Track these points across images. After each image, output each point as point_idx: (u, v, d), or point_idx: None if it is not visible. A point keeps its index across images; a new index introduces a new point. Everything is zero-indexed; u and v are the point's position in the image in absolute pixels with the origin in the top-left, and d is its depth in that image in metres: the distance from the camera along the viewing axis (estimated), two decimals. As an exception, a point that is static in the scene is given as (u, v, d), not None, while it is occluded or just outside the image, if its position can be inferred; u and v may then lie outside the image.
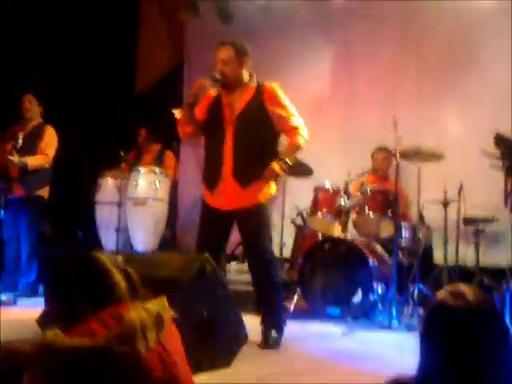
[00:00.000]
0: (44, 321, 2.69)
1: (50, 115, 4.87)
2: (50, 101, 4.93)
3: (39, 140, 4.57)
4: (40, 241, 4.69)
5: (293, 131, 3.19)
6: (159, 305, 1.56)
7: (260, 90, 3.23)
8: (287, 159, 3.15)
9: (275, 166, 3.11)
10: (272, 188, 3.26)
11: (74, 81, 5.96)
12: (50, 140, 4.63)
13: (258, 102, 3.20)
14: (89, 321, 1.49)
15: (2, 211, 4.37)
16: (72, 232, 5.58)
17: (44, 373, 1.43)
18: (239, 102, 3.21)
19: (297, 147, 3.22)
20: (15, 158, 4.39)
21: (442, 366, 1.27)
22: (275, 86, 3.25)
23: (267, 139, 3.22)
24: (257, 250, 3.23)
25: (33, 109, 4.65)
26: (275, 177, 3.17)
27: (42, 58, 5.72)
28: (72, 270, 1.61)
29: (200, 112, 3.31)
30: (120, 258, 1.70)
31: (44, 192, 4.67)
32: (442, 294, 1.32)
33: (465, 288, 1.30)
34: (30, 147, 4.52)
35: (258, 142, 3.17)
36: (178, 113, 3.40)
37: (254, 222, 3.19)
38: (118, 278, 1.59)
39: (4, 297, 4.21)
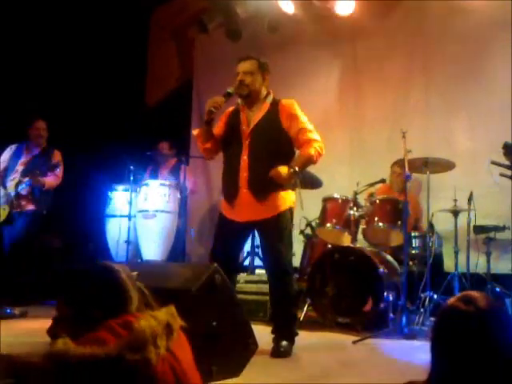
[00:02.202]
0: (54, 331, 2.70)
1: (61, 130, 4.99)
2: (61, 116, 5.03)
3: (49, 161, 4.80)
4: (50, 255, 4.77)
5: (308, 143, 3.20)
6: (168, 313, 1.57)
7: (276, 105, 3.27)
8: (295, 164, 3.15)
9: (281, 168, 3.10)
10: (289, 199, 3.26)
11: (83, 95, 6.03)
12: (60, 163, 4.87)
13: (273, 117, 3.24)
14: (98, 329, 1.50)
15: (8, 226, 4.52)
16: (83, 245, 5.62)
17: (56, 382, 1.43)
18: (255, 116, 3.27)
19: (310, 157, 3.18)
20: (39, 179, 4.62)
21: (453, 370, 1.26)
22: (291, 102, 3.29)
23: (282, 153, 3.23)
24: (274, 262, 3.23)
25: (45, 135, 4.93)
26: (278, 178, 3.11)
27: (52, 75, 5.80)
28: (90, 279, 1.63)
29: (218, 128, 3.38)
30: (135, 273, 1.74)
31: (46, 207, 4.83)
32: (453, 299, 1.32)
33: (476, 294, 1.30)
34: (41, 169, 4.73)
35: (273, 155, 3.19)
36: (195, 131, 3.45)
37: (273, 233, 3.19)
38: (133, 290, 1.62)
39: (16, 310, 4.26)
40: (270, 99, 3.30)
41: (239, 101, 3.35)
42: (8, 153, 4.84)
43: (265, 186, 3.17)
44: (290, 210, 3.28)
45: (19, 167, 4.72)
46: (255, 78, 3.23)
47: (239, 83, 3.21)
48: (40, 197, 4.70)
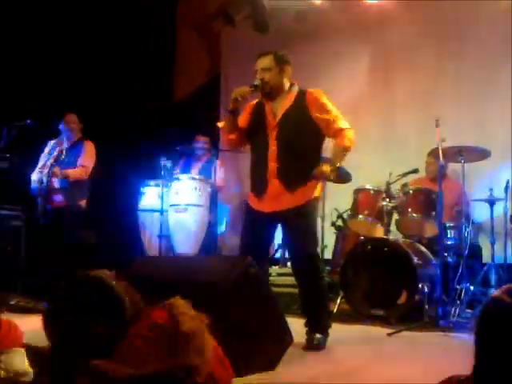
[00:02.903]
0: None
1: (94, 127, 5.06)
2: (94, 113, 5.10)
3: (79, 154, 4.87)
4: (84, 250, 4.84)
5: (340, 133, 3.20)
6: (186, 306, 1.46)
7: (302, 95, 3.26)
8: (336, 161, 3.17)
9: (324, 167, 3.11)
10: (317, 189, 3.26)
11: (114, 92, 6.10)
12: (89, 154, 4.92)
13: (300, 107, 3.23)
14: (127, 340, 1.41)
15: (42, 220, 4.59)
16: (117, 240, 5.70)
17: None
18: (281, 107, 3.26)
19: (345, 148, 3.20)
20: (57, 171, 4.68)
21: (499, 365, 1.24)
22: (318, 92, 3.28)
23: (311, 142, 3.23)
24: (301, 251, 3.22)
25: (75, 128, 4.95)
26: (326, 178, 3.18)
27: (83, 72, 5.89)
28: (80, 296, 1.51)
29: (243, 120, 3.37)
30: (109, 272, 1.61)
31: (82, 202, 4.87)
32: (498, 292, 1.29)
33: None
34: (71, 161, 4.83)
35: (302, 145, 3.20)
36: (221, 123, 3.45)
37: (300, 223, 3.19)
38: (122, 291, 1.53)
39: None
40: (295, 89, 3.28)
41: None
42: (47, 148, 4.93)
43: (295, 176, 3.18)
44: (317, 200, 3.30)
45: (50, 162, 4.78)
46: (273, 73, 3.22)
47: (261, 81, 3.21)
48: (71, 190, 4.72)
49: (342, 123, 3.21)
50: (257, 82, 3.21)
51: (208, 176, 5.34)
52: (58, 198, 4.74)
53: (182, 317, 1.39)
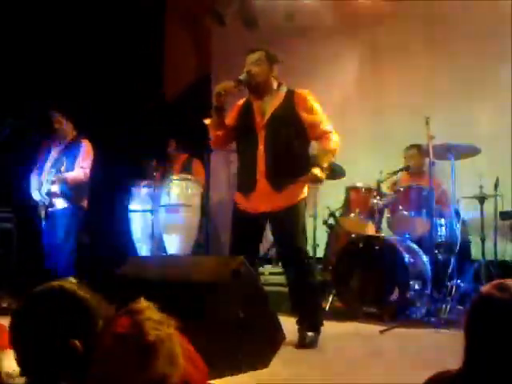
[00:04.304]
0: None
1: (81, 128, 4.97)
2: (80, 114, 5.02)
3: (77, 155, 4.70)
4: (79, 251, 4.78)
5: (324, 136, 3.22)
6: (149, 308, 1.29)
7: (291, 95, 3.26)
8: (322, 163, 3.17)
9: (316, 171, 3.12)
10: (304, 189, 3.28)
11: (101, 92, 6.06)
12: (86, 154, 4.76)
13: (288, 107, 3.23)
14: (96, 354, 1.25)
15: (44, 222, 4.54)
16: (109, 240, 5.67)
17: None
18: (270, 107, 3.26)
19: (331, 151, 3.23)
20: (56, 177, 4.55)
21: (488, 359, 1.24)
22: (307, 93, 3.29)
23: (299, 142, 3.24)
24: (291, 251, 3.24)
25: (63, 128, 4.75)
26: (318, 182, 3.18)
27: (68, 71, 5.84)
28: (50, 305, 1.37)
29: (231, 119, 3.37)
30: (73, 279, 1.48)
31: (83, 203, 4.80)
32: (487, 287, 1.30)
33: (511, 281, 1.27)
34: (69, 162, 4.66)
35: (290, 145, 3.20)
36: (208, 120, 3.43)
37: (289, 223, 3.20)
38: (90, 300, 1.40)
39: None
40: (283, 89, 3.29)
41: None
42: (44, 149, 4.76)
43: (283, 176, 3.18)
44: (305, 200, 3.31)
45: (47, 164, 4.66)
46: (262, 68, 3.22)
47: (247, 73, 3.20)
48: (71, 193, 4.59)
49: (328, 126, 3.23)
50: (242, 77, 3.19)
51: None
52: (59, 202, 4.61)
53: (146, 324, 1.23)
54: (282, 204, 3.18)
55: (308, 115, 3.21)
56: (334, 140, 3.21)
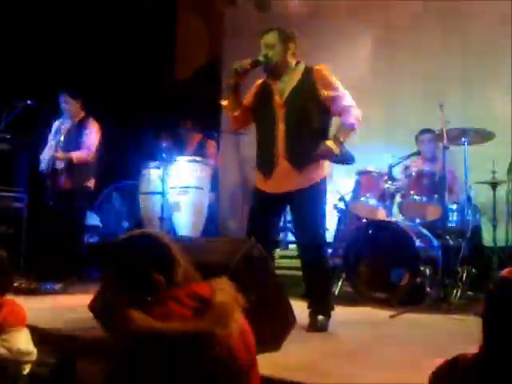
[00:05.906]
0: (99, 306, 2.75)
1: (92, 109, 4.99)
2: (92, 95, 5.03)
3: (83, 134, 4.76)
4: (90, 232, 4.83)
5: (345, 111, 3.15)
6: (229, 285, 1.52)
7: (309, 72, 3.20)
8: (339, 136, 3.11)
9: (330, 143, 3.07)
10: (326, 168, 3.23)
11: (113, 73, 6.04)
12: (93, 134, 4.80)
13: (307, 84, 3.18)
14: (164, 300, 1.44)
15: (51, 203, 4.58)
16: (118, 223, 5.70)
17: (132, 358, 1.37)
18: (288, 85, 3.20)
19: (350, 125, 3.15)
20: (60, 154, 4.62)
21: (506, 345, 1.23)
22: (324, 68, 3.22)
23: (319, 120, 3.18)
24: (309, 235, 3.20)
25: (70, 108, 4.81)
26: (330, 154, 3.09)
27: (82, 52, 5.82)
28: (137, 247, 1.57)
29: (248, 99, 3.33)
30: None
31: (90, 183, 4.83)
32: (505, 271, 1.28)
33: None
34: (75, 142, 4.72)
35: (310, 122, 3.14)
36: (225, 101, 3.39)
37: (309, 204, 3.15)
38: (180, 257, 1.58)
39: (56, 286, 4.35)
40: (301, 67, 3.24)
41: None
42: (53, 128, 4.85)
43: (304, 155, 3.12)
44: (326, 180, 3.25)
45: (53, 144, 4.73)
46: (277, 49, 3.17)
47: (264, 57, 3.16)
48: (76, 171, 4.67)
49: (349, 101, 3.17)
50: (261, 58, 3.16)
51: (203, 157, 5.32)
52: (64, 181, 4.70)
53: (219, 291, 1.45)
54: (303, 183, 3.13)
55: (327, 90, 3.15)
56: (355, 114, 3.14)
